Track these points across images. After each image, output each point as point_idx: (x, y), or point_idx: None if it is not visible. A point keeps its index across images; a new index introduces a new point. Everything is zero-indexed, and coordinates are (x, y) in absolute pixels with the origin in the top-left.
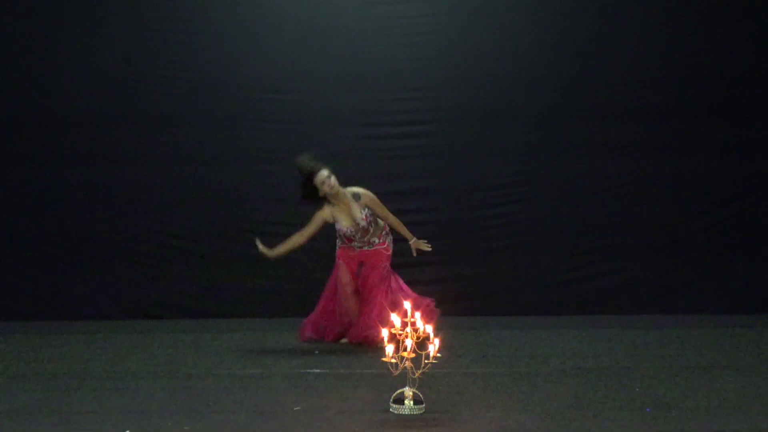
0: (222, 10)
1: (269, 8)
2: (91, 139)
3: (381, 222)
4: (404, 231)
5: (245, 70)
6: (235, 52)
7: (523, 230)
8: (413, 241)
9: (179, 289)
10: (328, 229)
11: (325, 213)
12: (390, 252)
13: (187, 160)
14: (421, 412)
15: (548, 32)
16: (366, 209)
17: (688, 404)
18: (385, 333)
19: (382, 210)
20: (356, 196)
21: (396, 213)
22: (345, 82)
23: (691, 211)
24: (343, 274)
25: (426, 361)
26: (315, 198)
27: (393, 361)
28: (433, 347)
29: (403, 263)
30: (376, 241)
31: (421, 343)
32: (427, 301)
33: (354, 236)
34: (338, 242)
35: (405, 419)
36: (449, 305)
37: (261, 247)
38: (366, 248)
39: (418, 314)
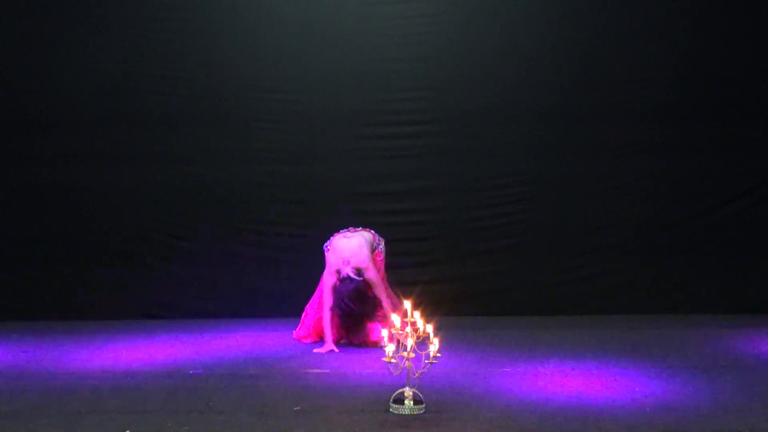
0: (222, 10)
1: (269, 8)
2: (91, 139)
3: (367, 234)
4: (387, 305)
5: (245, 70)
6: (235, 52)
7: (523, 230)
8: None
9: (179, 289)
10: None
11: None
12: (383, 256)
13: (187, 160)
14: (421, 412)
15: (548, 32)
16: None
17: (688, 404)
18: (385, 333)
19: (377, 288)
20: (359, 273)
21: (396, 213)
22: (345, 82)
23: (691, 211)
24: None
25: (426, 361)
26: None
27: (393, 361)
28: (433, 347)
29: (404, 263)
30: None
31: (421, 343)
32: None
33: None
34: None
35: (405, 419)
36: (449, 305)
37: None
38: None
39: (417, 314)
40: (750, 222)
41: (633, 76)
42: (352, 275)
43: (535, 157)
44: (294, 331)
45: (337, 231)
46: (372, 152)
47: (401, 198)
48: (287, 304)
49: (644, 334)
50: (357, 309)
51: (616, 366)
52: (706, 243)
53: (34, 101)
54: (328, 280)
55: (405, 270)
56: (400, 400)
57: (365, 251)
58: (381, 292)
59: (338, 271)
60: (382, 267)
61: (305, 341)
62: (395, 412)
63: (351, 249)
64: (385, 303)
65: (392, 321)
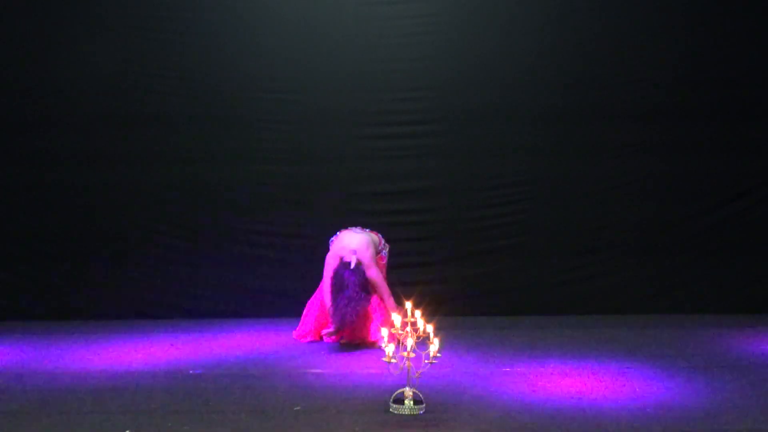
0: (222, 10)
1: (269, 8)
2: (91, 139)
3: (375, 237)
4: (390, 304)
5: (245, 70)
6: (235, 52)
7: (523, 230)
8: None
9: (179, 289)
10: (328, 234)
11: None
12: (386, 261)
13: (187, 160)
14: (421, 412)
15: (548, 32)
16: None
17: (688, 404)
18: (385, 333)
19: (379, 289)
20: (359, 265)
21: (396, 213)
22: (345, 82)
23: (691, 211)
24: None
25: (426, 361)
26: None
27: (393, 361)
28: (433, 347)
29: (404, 263)
30: None
31: (421, 343)
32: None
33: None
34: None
35: (405, 419)
36: (449, 305)
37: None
38: None
39: (418, 313)
40: (750, 222)
41: (633, 76)
42: (354, 265)
43: (535, 157)
44: (294, 331)
45: (346, 227)
46: (372, 152)
47: (401, 198)
48: (287, 304)
49: (644, 334)
50: (357, 294)
51: (616, 366)
52: (706, 243)
53: (34, 101)
54: (331, 262)
55: (405, 270)
56: (400, 400)
57: (370, 250)
58: (383, 292)
59: (342, 258)
60: (384, 272)
61: (304, 340)
62: (395, 412)
63: (357, 243)
64: (387, 303)
65: (392, 321)
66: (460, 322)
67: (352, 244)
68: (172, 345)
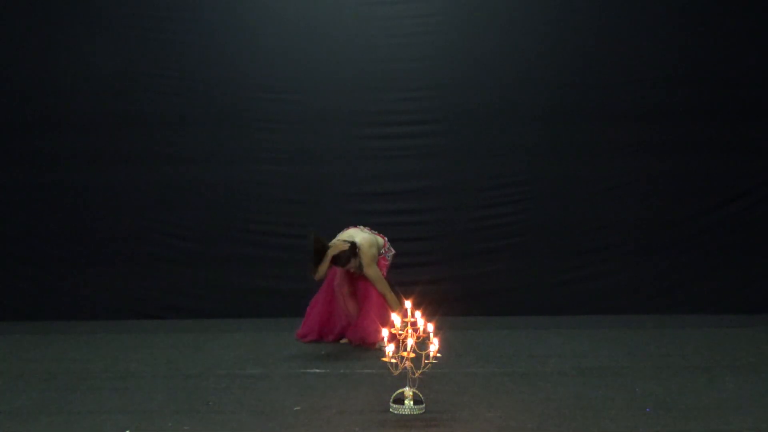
0: (222, 10)
1: (269, 8)
2: (91, 139)
3: (380, 240)
4: (391, 303)
5: (245, 70)
6: (235, 52)
7: (523, 230)
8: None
9: (179, 289)
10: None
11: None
12: (388, 262)
13: (187, 160)
14: (421, 412)
15: (548, 32)
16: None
17: (688, 404)
18: (385, 333)
19: (378, 284)
20: (359, 268)
21: (396, 213)
22: (345, 82)
23: (691, 211)
24: (339, 275)
25: (426, 361)
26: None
27: (393, 361)
28: (433, 347)
29: (404, 263)
30: None
31: (421, 343)
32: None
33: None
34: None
35: (405, 419)
36: (449, 305)
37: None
38: None
39: (418, 314)
40: (750, 222)
41: (633, 76)
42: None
43: (535, 157)
44: (297, 331)
45: (355, 225)
46: (372, 152)
47: (401, 198)
48: (287, 304)
49: (644, 334)
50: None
51: (616, 366)
52: (706, 243)
53: (34, 101)
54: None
55: (405, 270)
56: (400, 400)
57: (372, 250)
58: (383, 290)
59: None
60: (384, 272)
61: (306, 340)
62: (395, 412)
63: (360, 239)
64: (387, 299)
65: (392, 321)
66: (460, 322)
67: (355, 238)
68: (172, 345)
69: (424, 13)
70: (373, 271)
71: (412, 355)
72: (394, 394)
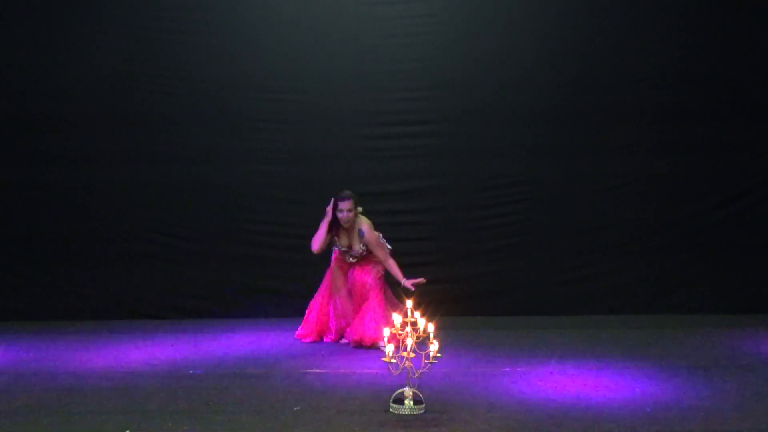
0: (222, 10)
1: (269, 8)
2: (91, 139)
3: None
4: (397, 273)
5: (245, 70)
6: (235, 52)
7: (523, 230)
8: (404, 282)
9: (179, 289)
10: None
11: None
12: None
13: (187, 160)
14: (421, 412)
15: (548, 32)
16: (364, 246)
17: (688, 404)
18: (384, 333)
19: (379, 251)
20: (360, 233)
21: (396, 213)
22: (345, 82)
23: (691, 211)
24: (337, 276)
25: (426, 361)
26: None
27: (393, 361)
28: (433, 347)
29: (403, 263)
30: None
31: (421, 342)
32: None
33: (346, 254)
34: (334, 246)
35: (405, 419)
36: (449, 305)
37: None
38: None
39: (418, 314)
40: (750, 222)
41: (633, 76)
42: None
43: (535, 157)
44: (297, 331)
45: None
46: (372, 152)
47: (401, 198)
48: (287, 304)
49: (644, 334)
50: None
51: (616, 366)
52: (706, 243)
53: (34, 101)
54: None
55: (405, 270)
56: (400, 400)
57: (375, 233)
58: (383, 255)
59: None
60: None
61: (305, 340)
62: (395, 412)
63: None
64: (381, 256)
65: (392, 321)
66: (460, 322)
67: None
68: (172, 345)
69: (424, 13)
70: (373, 237)
71: (412, 355)
72: (394, 394)
